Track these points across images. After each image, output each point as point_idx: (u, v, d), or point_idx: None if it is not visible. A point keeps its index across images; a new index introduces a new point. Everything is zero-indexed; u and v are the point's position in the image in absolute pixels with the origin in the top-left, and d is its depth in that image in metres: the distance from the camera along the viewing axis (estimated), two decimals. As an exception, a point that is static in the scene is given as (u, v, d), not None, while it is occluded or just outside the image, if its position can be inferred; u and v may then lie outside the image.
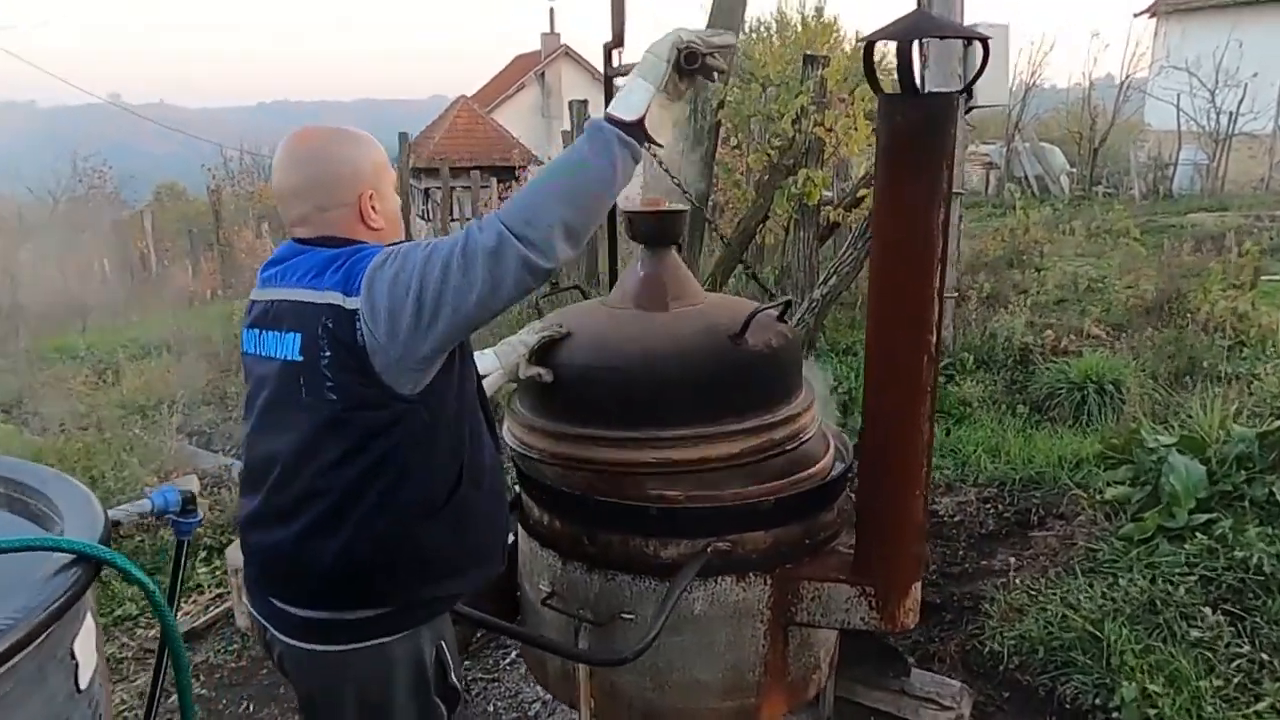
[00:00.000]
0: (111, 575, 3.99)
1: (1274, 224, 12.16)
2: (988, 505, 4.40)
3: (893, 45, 1.98)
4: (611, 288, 2.63)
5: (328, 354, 1.57)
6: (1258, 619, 3.06)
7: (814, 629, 2.37)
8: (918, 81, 2.06)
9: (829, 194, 7.52)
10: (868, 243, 3.91)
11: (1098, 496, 4.04)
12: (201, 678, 3.50)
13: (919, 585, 2.28)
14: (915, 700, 2.88)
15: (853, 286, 6.56)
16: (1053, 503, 4.30)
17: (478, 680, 3.35)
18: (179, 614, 3.90)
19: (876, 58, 2.21)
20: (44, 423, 6.03)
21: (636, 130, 1.58)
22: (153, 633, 3.76)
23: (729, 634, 2.30)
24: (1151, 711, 2.77)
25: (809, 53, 6.95)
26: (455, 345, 1.63)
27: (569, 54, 29.73)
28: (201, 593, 4.04)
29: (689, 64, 1.59)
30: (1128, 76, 20.54)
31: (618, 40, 2.83)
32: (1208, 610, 3.08)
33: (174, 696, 3.31)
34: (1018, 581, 3.58)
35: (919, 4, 5.94)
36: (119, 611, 3.87)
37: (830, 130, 6.56)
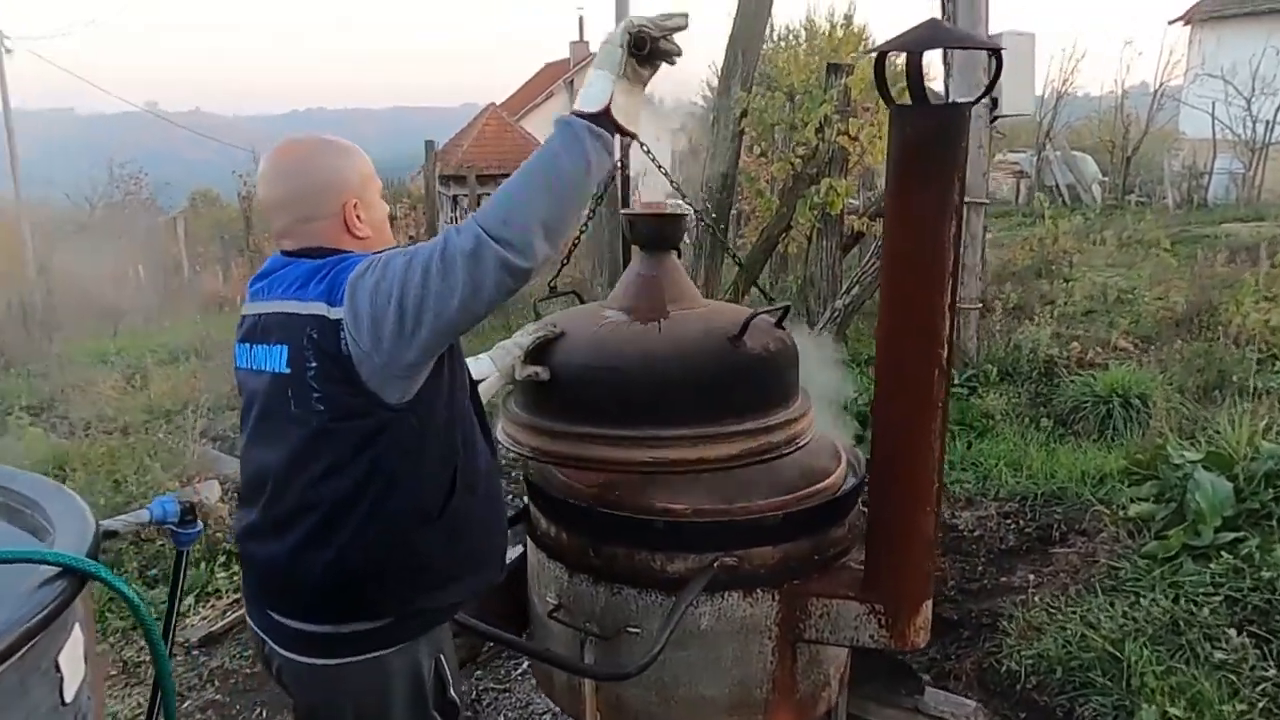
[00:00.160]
0: (132, 579, 4.04)
1: (1311, 234, 11.93)
2: (1008, 520, 4.34)
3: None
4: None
5: (313, 365, 1.57)
6: (1284, 642, 2.99)
7: (823, 646, 2.34)
8: (943, 90, 2.04)
9: (854, 202, 7.48)
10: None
11: (1121, 513, 3.97)
12: (216, 683, 3.52)
13: (930, 603, 2.24)
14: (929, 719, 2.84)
15: (876, 296, 6.51)
16: (1075, 519, 4.23)
17: (489, 690, 3.35)
18: (198, 619, 3.94)
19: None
20: (71, 426, 6.12)
21: (604, 120, 1.57)
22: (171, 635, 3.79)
23: (736, 650, 2.28)
24: (1172, 735, 2.71)
25: (833, 61, 6.91)
26: (442, 351, 1.61)
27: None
28: (220, 597, 4.07)
29: (638, 49, 1.57)
30: (1162, 84, 20.29)
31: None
32: (1232, 632, 3.01)
33: (188, 702, 3.36)
34: (1037, 599, 3.52)
35: (943, 11, 5.90)
36: (134, 617, 3.90)
37: (855, 139, 6.53)
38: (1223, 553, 3.39)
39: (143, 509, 1.54)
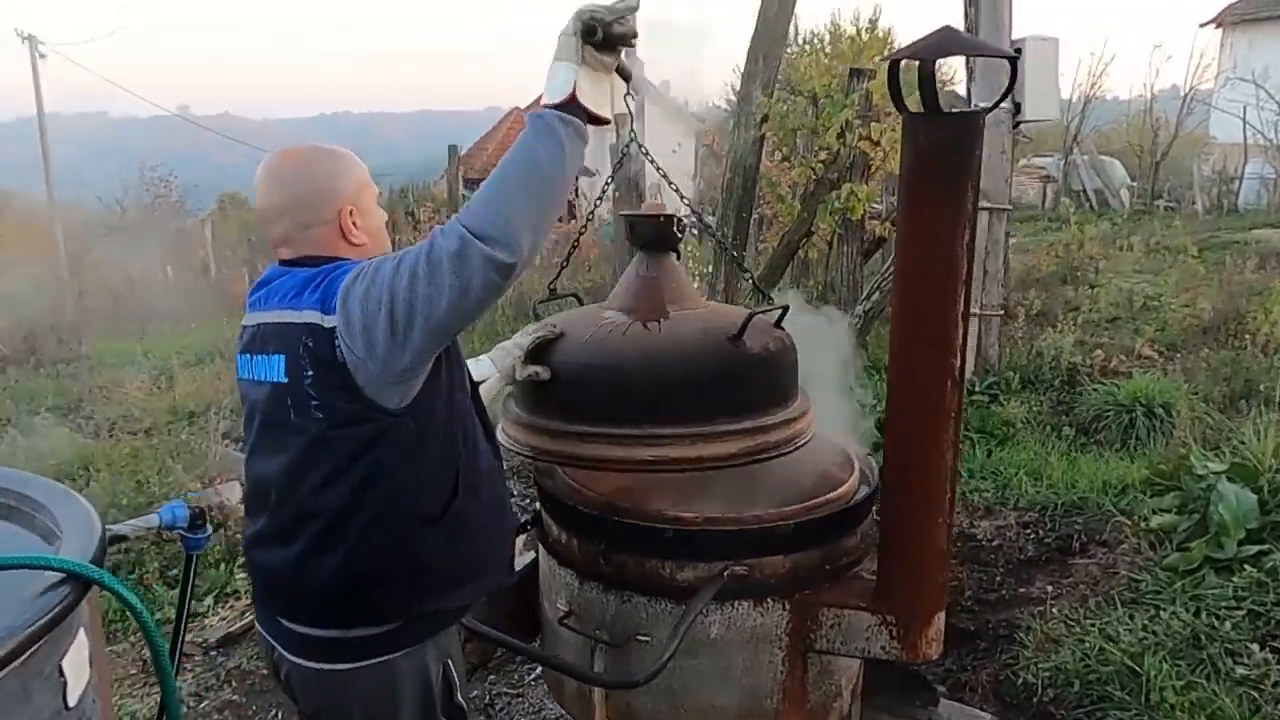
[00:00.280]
0: (153, 579, 4.09)
1: (1344, 241, 11.72)
2: (1028, 530, 4.29)
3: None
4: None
5: (310, 373, 1.58)
6: (1308, 658, 2.94)
7: (835, 656, 2.32)
8: (966, 95, 2.03)
9: (877, 207, 7.45)
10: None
11: (1142, 524, 3.93)
12: (234, 683, 3.55)
13: (942, 615, 2.22)
14: (943, 731, 2.81)
15: (896, 303, 6.45)
16: (1095, 529, 4.18)
17: (502, 695, 3.36)
18: (217, 620, 3.98)
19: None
20: (97, 426, 6.20)
21: (572, 107, 1.57)
22: (190, 636, 3.84)
23: (746, 659, 2.27)
24: (1191, 751, 2.67)
25: (855, 66, 6.88)
26: (438, 353, 1.62)
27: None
28: (238, 598, 4.11)
29: (589, 36, 1.57)
30: (1192, 88, 20.03)
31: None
32: (1255, 647, 2.96)
33: (205, 702, 3.39)
34: (1055, 610, 3.49)
35: (966, 15, 5.87)
36: (159, 615, 3.95)
37: (876, 144, 6.50)
38: (1246, 566, 3.34)
39: (152, 514, 1.56)
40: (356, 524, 1.63)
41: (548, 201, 1.53)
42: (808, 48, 19.10)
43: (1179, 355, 6.43)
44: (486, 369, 2.11)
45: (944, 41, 1.96)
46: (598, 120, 1.63)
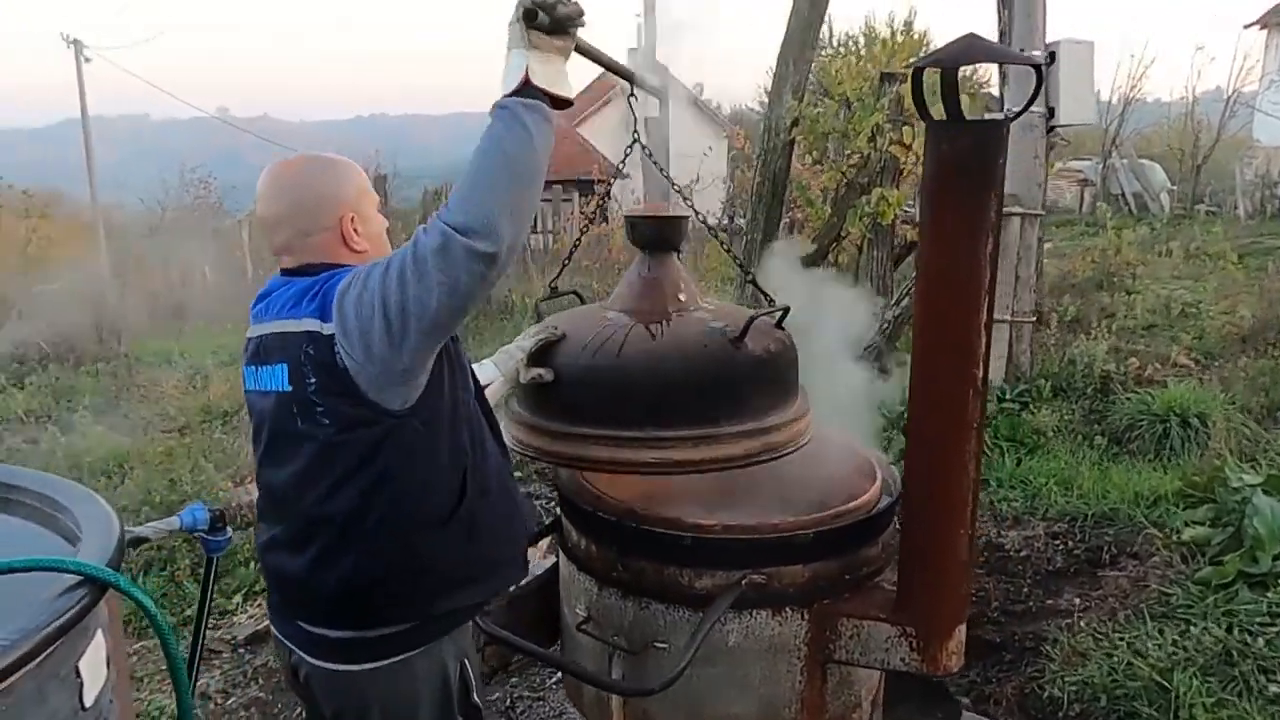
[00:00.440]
0: (184, 576, 4.15)
1: (1392, 247, 11.45)
2: (1056, 541, 4.23)
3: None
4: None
5: (313, 380, 1.60)
6: (1344, 677, 2.87)
7: (854, 667, 2.31)
8: (999, 99, 2.01)
9: (910, 210, 7.38)
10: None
11: (1175, 537, 3.86)
12: (260, 680, 3.60)
13: (963, 628, 2.20)
14: (965, 744, 2.79)
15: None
16: (1126, 541, 4.11)
17: (523, 698, 3.37)
18: (245, 618, 4.03)
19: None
20: (133, 424, 6.31)
21: (529, 91, 1.58)
22: (218, 634, 3.90)
23: (764, 668, 2.26)
24: (1220, 771, 2.62)
25: (886, 70, 6.83)
26: (437, 352, 1.63)
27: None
28: (267, 597, 4.16)
29: (531, 20, 1.58)
30: (1235, 90, 19.65)
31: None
32: (1289, 664, 2.90)
33: (232, 699, 3.44)
34: (1083, 623, 3.44)
35: (1000, 18, 5.81)
36: (188, 612, 4.01)
37: (908, 148, 6.44)
38: (1281, 581, 3.27)
39: (174, 516, 1.59)
40: (368, 527, 1.65)
41: (523, 187, 1.54)
42: (842, 50, 18.99)
43: (1216, 364, 6.31)
44: (490, 373, 2.13)
45: (966, 50, 1.94)
46: (560, 101, 1.63)
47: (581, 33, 1.70)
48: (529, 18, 1.57)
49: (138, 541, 1.51)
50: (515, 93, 1.58)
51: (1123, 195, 18.52)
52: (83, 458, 5.38)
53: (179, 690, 1.22)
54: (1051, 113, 5.75)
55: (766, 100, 9.29)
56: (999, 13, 5.79)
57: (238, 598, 4.11)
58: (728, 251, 2.28)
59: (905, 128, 6.47)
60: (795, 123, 6.89)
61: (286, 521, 1.72)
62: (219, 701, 3.43)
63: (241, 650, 3.79)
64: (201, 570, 4.12)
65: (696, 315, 2.28)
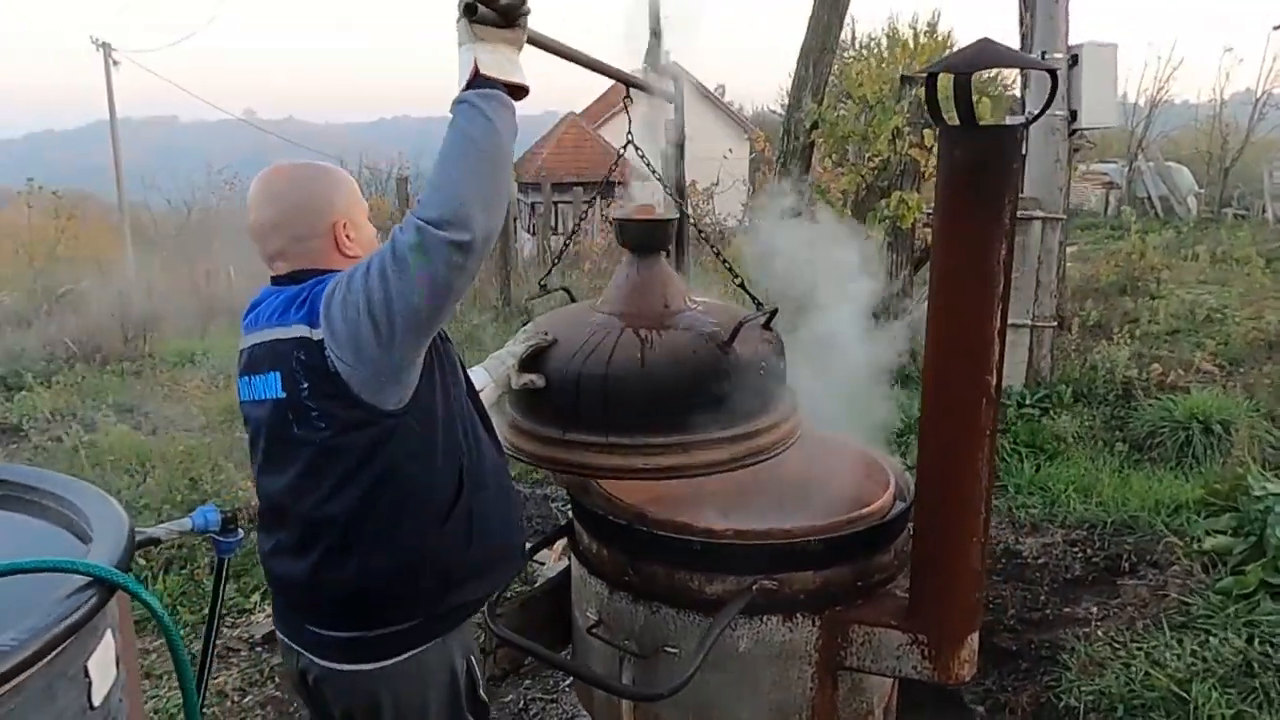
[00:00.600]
0: (203, 575, 4.19)
1: None
2: (1075, 548, 4.19)
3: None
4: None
5: (306, 385, 1.62)
6: (1367, 689, 2.83)
7: (865, 674, 2.30)
8: (1020, 101, 2.00)
9: (930, 212, 7.34)
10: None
11: (1195, 546, 3.81)
12: (277, 679, 3.62)
13: (976, 636, 2.19)
14: (979, 753, 2.77)
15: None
16: (1146, 550, 4.07)
17: (536, 700, 3.38)
18: (263, 616, 4.06)
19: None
20: (155, 424, 6.38)
21: (481, 81, 1.59)
22: (236, 632, 3.93)
23: (774, 675, 2.25)
24: (1239, 784, 2.59)
25: (908, 73, 6.80)
26: (426, 347, 1.64)
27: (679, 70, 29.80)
28: (272, 602, 4.19)
29: (470, 14, 1.59)
30: (1264, 92, 19.39)
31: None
32: (1311, 677, 2.86)
33: (249, 697, 3.47)
34: (1101, 632, 3.40)
35: (1021, 22, 5.77)
36: (206, 609, 4.05)
37: (929, 151, 6.41)
38: (1304, 592, 3.22)
39: (185, 518, 1.61)
40: (369, 528, 1.67)
41: (491, 174, 1.56)
42: (864, 52, 18.93)
43: (1241, 371, 6.23)
44: (482, 378, 2.14)
45: (980, 54, 1.93)
46: (516, 89, 1.64)
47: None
48: (469, 11, 1.59)
49: (150, 542, 1.53)
50: (469, 86, 1.60)
51: (1149, 198, 18.32)
52: (105, 456, 5.45)
53: (185, 690, 1.24)
54: (1074, 116, 5.70)
55: (787, 102, 9.27)
56: (1021, 16, 5.75)
57: (255, 596, 4.14)
58: (717, 255, 2.28)
59: (925, 130, 6.44)
60: (815, 125, 6.87)
61: (288, 527, 1.74)
62: (235, 700, 3.46)
63: (259, 649, 3.82)
64: (220, 569, 4.21)
65: (685, 318, 2.29)
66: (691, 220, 2.39)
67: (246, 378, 1.76)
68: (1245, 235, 10.63)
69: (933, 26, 20.19)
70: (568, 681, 3.44)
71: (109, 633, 1.22)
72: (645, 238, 2.38)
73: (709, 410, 2.16)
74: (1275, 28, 20.95)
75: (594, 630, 2.38)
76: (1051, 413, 5.63)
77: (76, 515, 1.42)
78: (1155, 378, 6.03)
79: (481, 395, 2.06)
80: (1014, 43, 6.13)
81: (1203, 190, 18.81)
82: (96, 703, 1.16)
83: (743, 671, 2.25)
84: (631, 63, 2.56)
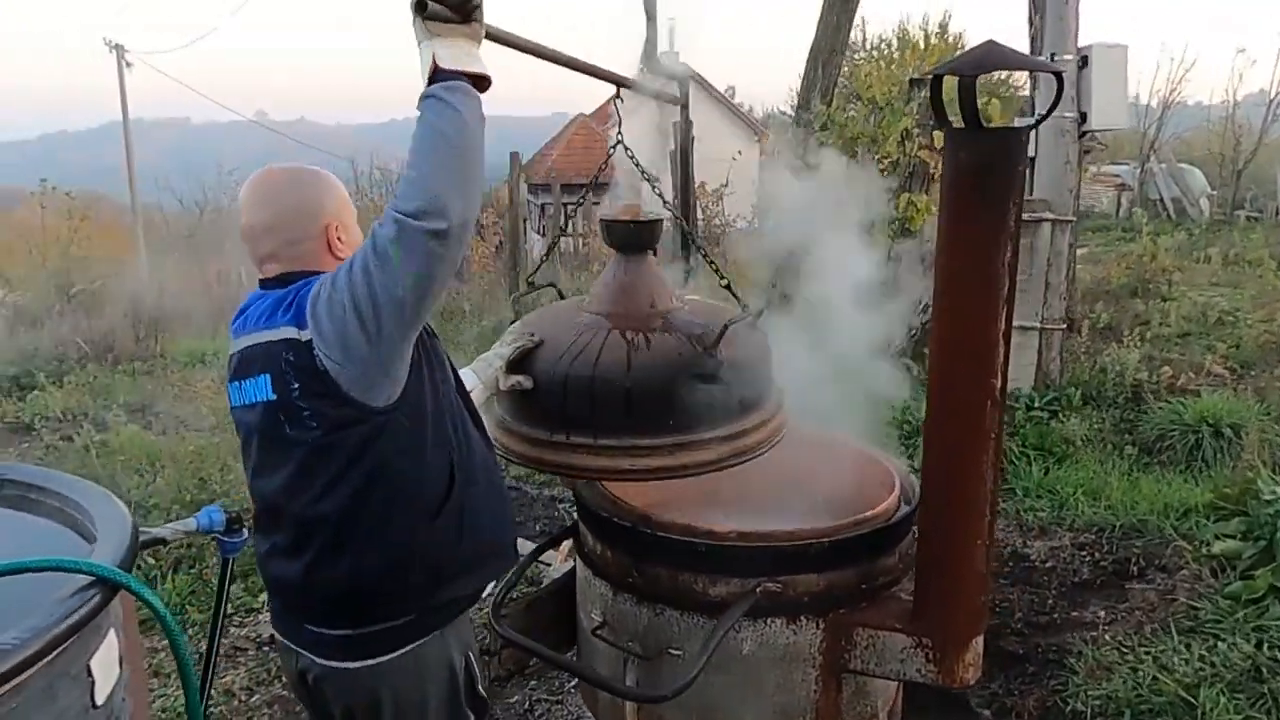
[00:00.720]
0: (212, 575, 4.21)
1: None
2: (1083, 552, 4.18)
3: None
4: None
5: (296, 385, 1.64)
6: (1377, 695, 2.81)
7: (870, 677, 2.30)
8: (1030, 102, 1.99)
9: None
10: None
11: (1204, 550, 3.79)
12: (283, 679, 3.64)
13: (980, 640, 2.18)
14: (985, 757, 2.76)
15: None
16: (1154, 553, 4.05)
17: (541, 701, 3.38)
18: (271, 616, 4.08)
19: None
20: (165, 424, 6.42)
21: (442, 74, 1.61)
22: (244, 631, 3.95)
23: (778, 677, 2.25)
24: (1246, 790, 2.57)
25: (914, 75, 6.79)
26: (413, 341, 1.66)
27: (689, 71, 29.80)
28: (270, 604, 4.21)
29: (420, 10, 1.61)
30: (1278, 93, 19.25)
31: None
32: (1320, 682, 2.84)
33: (256, 696, 3.48)
34: (1109, 636, 3.39)
35: (1031, 23, 5.75)
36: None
37: (938, 153, 6.39)
38: (1314, 597, 3.20)
39: (190, 518, 1.62)
40: (363, 525, 1.69)
41: (463, 163, 1.57)
42: (874, 54, 18.87)
43: (1252, 374, 6.19)
44: (470, 380, 2.15)
45: (986, 57, 1.92)
46: (478, 79, 1.65)
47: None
48: (419, 9, 1.61)
49: (155, 542, 1.54)
50: (431, 81, 1.61)
51: (1161, 200, 18.23)
52: (116, 456, 5.48)
53: (187, 688, 1.25)
54: (1084, 117, 5.68)
55: (796, 103, 9.26)
56: (1030, 18, 5.73)
57: (262, 596, 4.15)
58: (703, 255, 2.29)
59: (935, 132, 6.42)
60: (824, 126, 6.86)
61: (283, 529, 1.75)
62: (243, 699, 3.47)
63: (266, 648, 3.84)
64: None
65: (671, 319, 2.29)
66: (679, 219, 2.39)
67: (237, 383, 1.78)
68: (1258, 237, 10.56)
69: (943, 28, 20.09)
70: (573, 683, 3.45)
71: (112, 632, 1.23)
72: (631, 238, 2.39)
73: (695, 411, 2.17)
74: (1289, 28, 20.79)
75: (598, 632, 2.38)
76: (1060, 415, 5.60)
77: (81, 515, 1.43)
78: (1165, 381, 5.99)
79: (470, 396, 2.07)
80: (1024, 44, 6.11)
81: (1215, 192, 18.69)
82: (99, 702, 1.17)
83: (746, 674, 2.24)
84: (628, 55, 2.57)
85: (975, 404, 2.02)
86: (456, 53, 1.61)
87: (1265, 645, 3.07)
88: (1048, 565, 4.09)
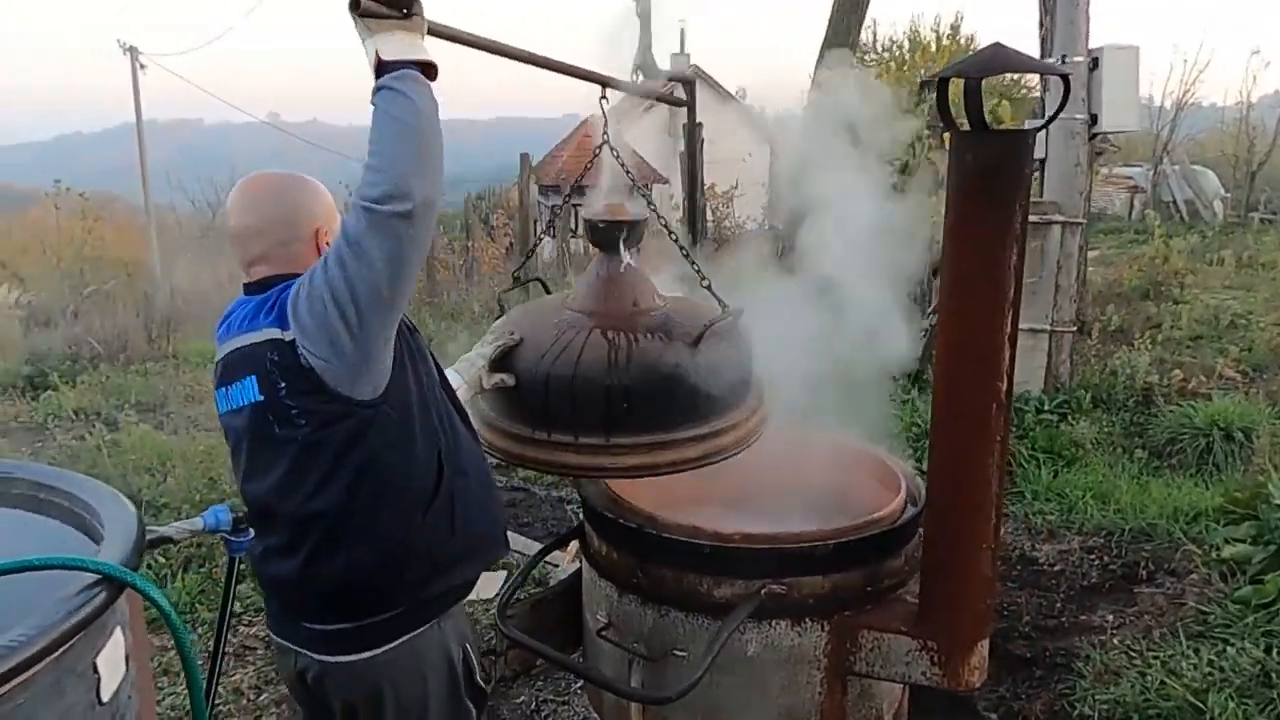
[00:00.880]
0: (222, 574, 4.23)
1: None
2: (1092, 555, 4.16)
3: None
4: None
5: (283, 385, 1.67)
6: (1388, 701, 2.79)
7: (875, 680, 2.30)
8: (1040, 103, 1.98)
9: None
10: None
11: (1214, 554, 3.77)
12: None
13: (986, 643, 2.18)
14: (991, 761, 2.75)
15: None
16: (1164, 557, 4.03)
17: (548, 702, 3.39)
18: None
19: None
20: (176, 424, 6.45)
21: (388, 66, 1.63)
22: (253, 630, 3.97)
23: (783, 679, 2.25)
24: (1254, 796, 2.56)
25: (924, 77, 6.77)
26: (395, 329, 1.68)
27: (699, 74, 29.79)
28: (266, 607, 4.22)
29: (354, 8, 1.65)
30: (1293, 95, 19.11)
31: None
32: (1330, 688, 2.82)
33: (264, 695, 3.50)
34: (1117, 640, 3.38)
35: (1041, 24, 5.74)
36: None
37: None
38: (1324, 602, 3.18)
39: (197, 517, 1.63)
40: (357, 520, 1.72)
41: (420, 145, 1.60)
42: (885, 55, 18.84)
43: (1264, 377, 6.15)
44: (455, 381, 2.17)
45: (992, 59, 1.93)
46: (424, 66, 1.67)
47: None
48: (353, 7, 1.64)
49: (162, 541, 1.55)
50: (379, 75, 1.64)
51: (1174, 202, 18.13)
52: (127, 456, 5.52)
53: (192, 685, 1.26)
54: (1094, 119, 5.65)
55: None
56: (1041, 19, 5.72)
57: (272, 595, 4.18)
58: (685, 256, 2.30)
59: (946, 134, 6.42)
60: (833, 129, 6.86)
61: (277, 530, 1.77)
62: (251, 698, 3.49)
63: (274, 648, 3.85)
64: (242, 568, 4.24)
65: (653, 318, 2.30)
66: (661, 219, 2.41)
67: (223, 388, 1.81)
68: (1272, 240, 10.50)
69: (955, 29, 20.05)
70: (579, 683, 3.45)
71: (118, 630, 1.24)
72: (615, 238, 2.40)
73: (675, 410, 2.19)
74: (1304, 30, 20.66)
75: (604, 633, 2.38)
76: (1070, 418, 5.58)
77: (89, 514, 1.44)
78: (1176, 384, 5.96)
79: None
80: (1035, 45, 6.09)
81: (1229, 194, 18.57)
82: (105, 698, 1.18)
83: (751, 675, 2.25)
84: (620, 53, 2.59)
85: (981, 406, 2.02)
86: (397, 45, 1.65)
87: (1275, 650, 3.05)
88: (1056, 569, 4.08)
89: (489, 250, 14.41)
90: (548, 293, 2.73)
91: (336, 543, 1.72)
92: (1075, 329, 6.08)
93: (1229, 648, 3.12)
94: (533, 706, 3.36)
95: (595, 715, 3.28)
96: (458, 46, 1.90)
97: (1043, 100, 5.78)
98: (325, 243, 1.81)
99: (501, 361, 2.26)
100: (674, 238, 2.32)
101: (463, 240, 14.51)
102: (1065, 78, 2.00)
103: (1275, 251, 8.66)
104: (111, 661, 1.21)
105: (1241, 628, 3.24)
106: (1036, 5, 5.98)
